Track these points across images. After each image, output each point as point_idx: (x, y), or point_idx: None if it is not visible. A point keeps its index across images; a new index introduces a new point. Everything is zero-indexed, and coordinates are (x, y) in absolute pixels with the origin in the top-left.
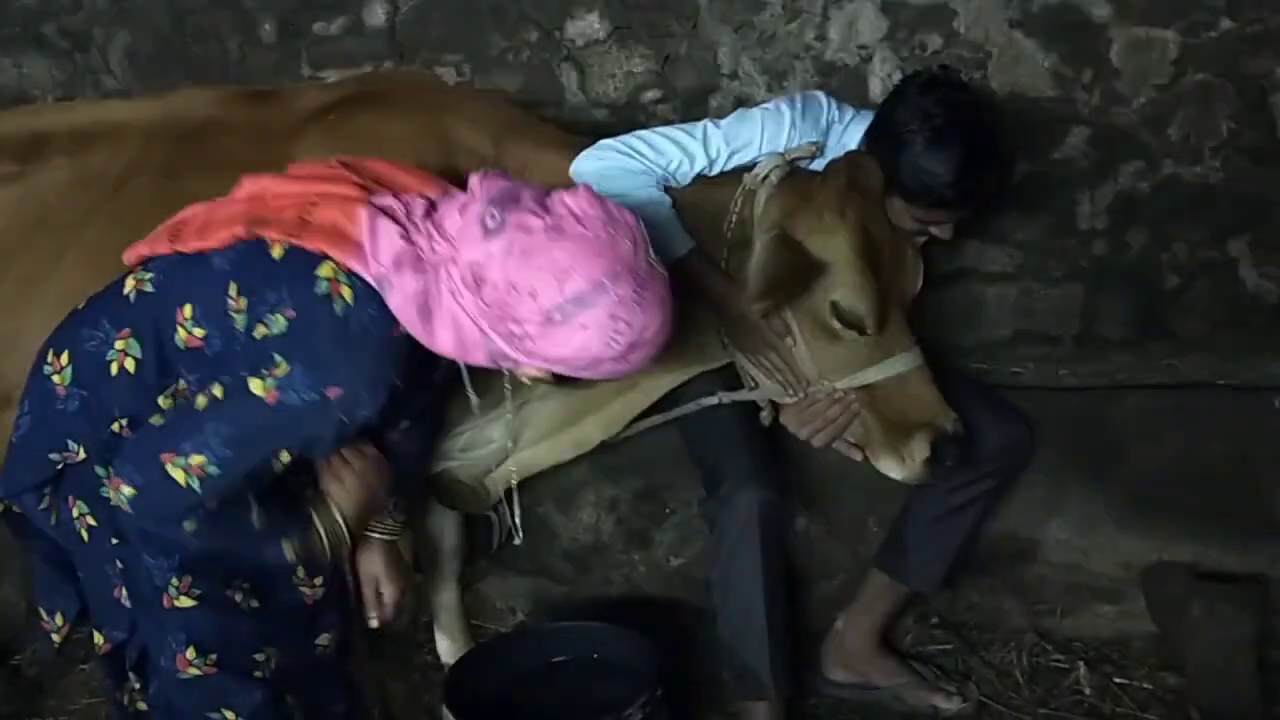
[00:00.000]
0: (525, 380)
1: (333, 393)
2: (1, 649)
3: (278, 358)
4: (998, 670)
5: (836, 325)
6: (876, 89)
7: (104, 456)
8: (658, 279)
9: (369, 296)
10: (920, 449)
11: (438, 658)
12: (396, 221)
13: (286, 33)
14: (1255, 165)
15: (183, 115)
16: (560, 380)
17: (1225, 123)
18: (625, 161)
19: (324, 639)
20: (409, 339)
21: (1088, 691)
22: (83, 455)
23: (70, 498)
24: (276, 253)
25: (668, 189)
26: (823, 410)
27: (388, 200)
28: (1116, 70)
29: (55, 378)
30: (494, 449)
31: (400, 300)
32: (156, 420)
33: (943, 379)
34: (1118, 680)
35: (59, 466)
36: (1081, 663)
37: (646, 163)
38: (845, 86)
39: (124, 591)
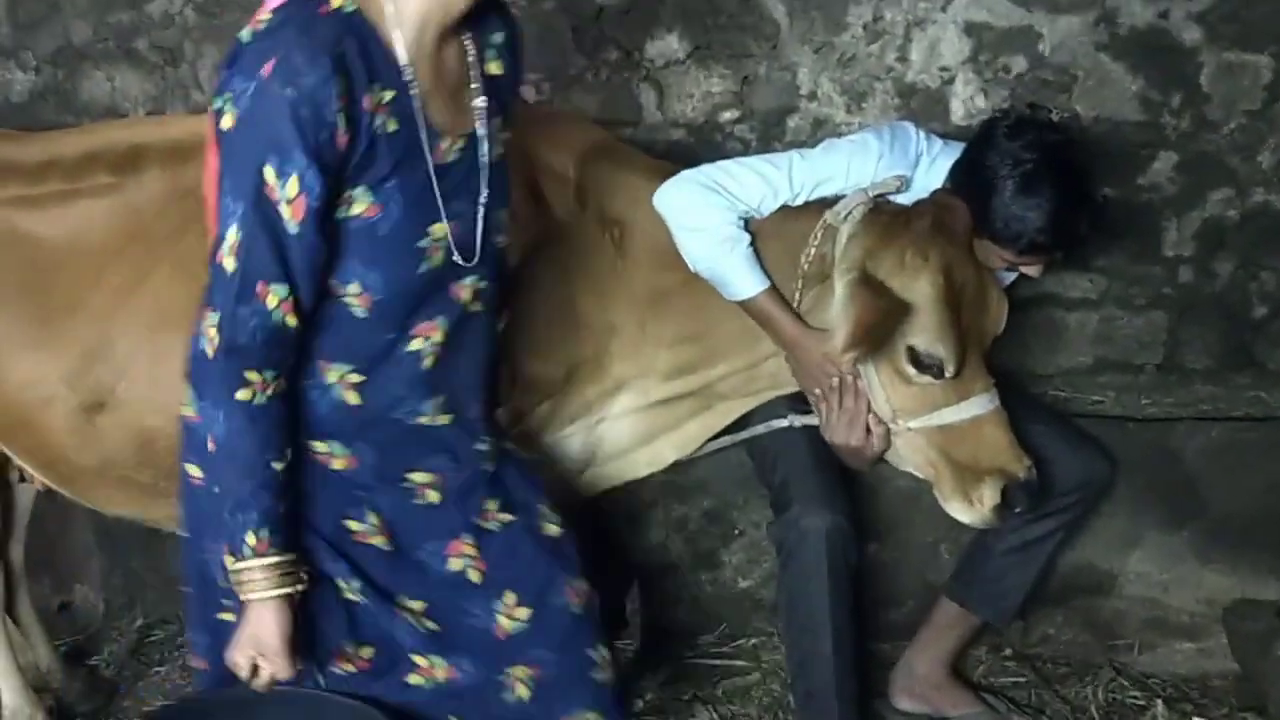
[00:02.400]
0: None
1: (266, 69)
2: (79, 649)
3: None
4: (1073, 705)
5: (912, 371)
6: (959, 111)
7: None
8: None
9: None
10: (990, 496)
11: None
12: None
13: None
14: None
15: None
16: None
17: None
18: (708, 196)
19: None
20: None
21: None
22: None
23: None
24: None
25: (749, 222)
26: (837, 405)
27: None
28: (1207, 95)
29: None
30: (569, 467)
31: None
32: None
33: (1022, 407)
34: (1197, 719)
35: None
36: (1160, 700)
37: (730, 197)
38: (926, 109)
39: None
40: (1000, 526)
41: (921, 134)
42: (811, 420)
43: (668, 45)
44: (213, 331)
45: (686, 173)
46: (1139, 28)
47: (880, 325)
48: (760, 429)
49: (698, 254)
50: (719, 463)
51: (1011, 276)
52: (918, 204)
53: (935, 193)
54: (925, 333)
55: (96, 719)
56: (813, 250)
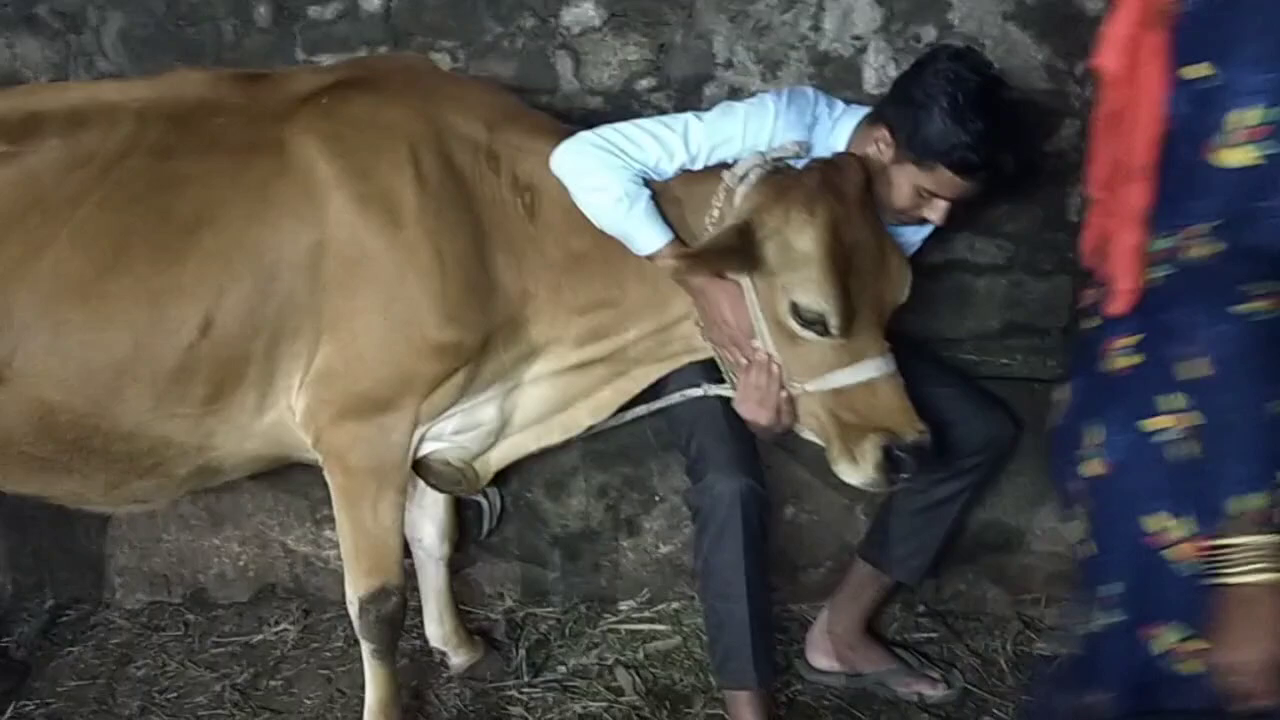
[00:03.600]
0: None
1: None
2: None
3: None
4: (982, 658)
5: (794, 325)
6: (871, 80)
7: None
8: None
9: None
10: (872, 452)
11: (426, 642)
12: None
13: (281, 16)
14: None
15: (176, 96)
16: None
17: None
18: (603, 157)
19: None
20: None
21: None
22: None
23: None
24: None
25: (649, 182)
26: (751, 380)
27: None
28: None
29: None
30: (485, 431)
31: None
32: None
33: (931, 372)
34: None
35: None
36: (1065, 650)
37: (625, 157)
38: (839, 77)
39: None
40: (891, 489)
41: (821, 97)
42: (725, 390)
43: (584, 13)
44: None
45: (583, 134)
46: None
47: (717, 252)
48: (676, 397)
49: (599, 212)
50: (638, 430)
51: (916, 238)
52: (810, 163)
53: (834, 154)
54: (808, 287)
55: (8, 700)
56: (715, 213)
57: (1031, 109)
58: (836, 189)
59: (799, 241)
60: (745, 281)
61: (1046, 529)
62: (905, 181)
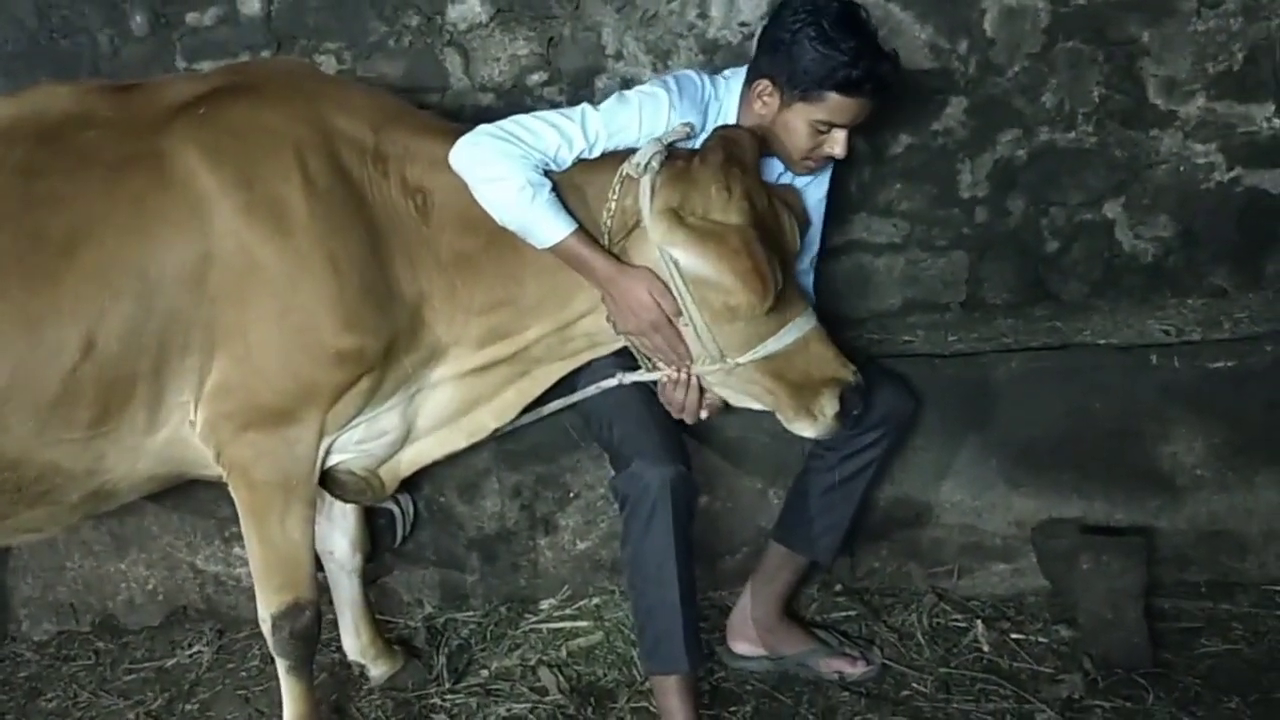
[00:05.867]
0: None
1: None
2: None
3: None
4: (900, 633)
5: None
6: None
7: None
8: None
9: None
10: (830, 404)
11: (344, 655)
12: None
13: (159, 24)
14: (1126, 129)
15: (40, 112)
16: None
17: (1096, 88)
18: (503, 146)
19: None
20: None
21: (986, 649)
22: None
23: None
24: None
25: (547, 173)
26: (671, 397)
27: None
28: (991, 40)
29: None
30: (389, 440)
31: None
32: None
33: None
34: (1014, 636)
35: None
36: (979, 621)
37: (525, 146)
38: (729, 63)
39: None
40: (845, 433)
41: (706, 77)
42: (640, 376)
43: (470, 9)
44: None
45: (480, 127)
46: None
47: (756, 253)
48: (591, 390)
49: (500, 204)
50: (550, 427)
51: (820, 193)
52: (705, 141)
53: (719, 127)
54: None
55: None
56: (613, 204)
57: (918, 88)
58: (739, 161)
59: (727, 219)
60: (668, 265)
61: (954, 502)
62: (799, 122)
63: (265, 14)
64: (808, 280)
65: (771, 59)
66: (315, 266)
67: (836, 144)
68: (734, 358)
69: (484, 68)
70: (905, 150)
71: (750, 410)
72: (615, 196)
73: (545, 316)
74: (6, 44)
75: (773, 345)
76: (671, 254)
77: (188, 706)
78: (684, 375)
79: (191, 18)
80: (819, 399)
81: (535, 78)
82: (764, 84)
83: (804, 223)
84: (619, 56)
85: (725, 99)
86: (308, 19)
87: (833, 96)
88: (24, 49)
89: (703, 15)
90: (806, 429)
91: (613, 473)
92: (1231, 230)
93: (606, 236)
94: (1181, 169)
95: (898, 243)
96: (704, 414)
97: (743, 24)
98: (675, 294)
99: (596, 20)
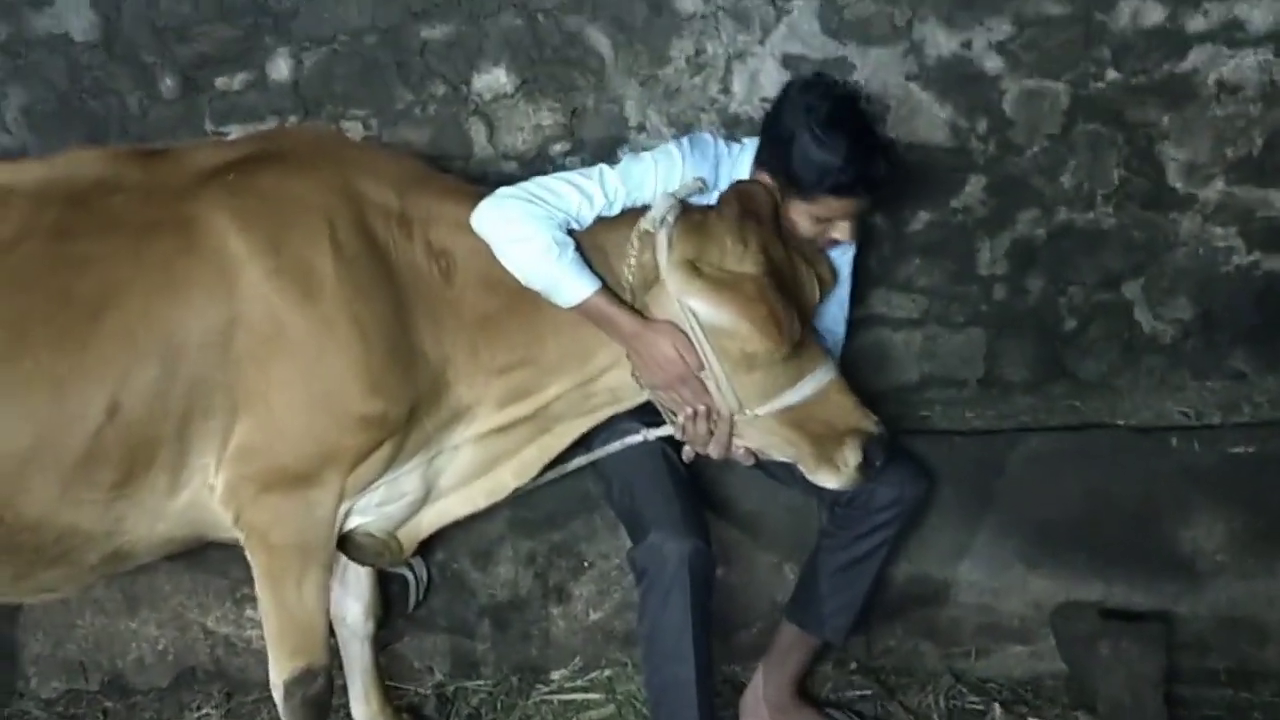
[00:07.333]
0: None
1: None
2: None
3: None
4: (915, 714)
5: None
6: None
7: None
8: None
9: None
10: (853, 455)
11: None
12: None
13: (188, 88)
14: (1145, 210)
15: (72, 176)
16: None
17: (1116, 170)
18: (526, 207)
19: None
20: None
21: None
22: None
23: None
24: None
25: (570, 232)
26: (694, 434)
27: None
28: (1010, 121)
29: None
30: (409, 501)
31: None
32: None
33: None
34: None
35: None
36: (996, 704)
37: (547, 206)
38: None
39: None
40: (868, 485)
41: (719, 139)
42: (664, 431)
43: (495, 79)
44: None
45: (500, 190)
46: (944, 57)
47: (771, 299)
48: (615, 445)
49: (526, 264)
50: (566, 495)
51: (845, 258)
52: (721, 195)
53: (736, 182)
54: None
55: None
56: (633, 260)
57: (938, 165)
58: (754, 214)
59: (743, 269)
60: (687, 316)
61: (972, 581)
62: (800, 216)
63: (294, 80)
64: (839, 332)
65: (771, 152)
66: (341, 331)
67: (841, 232)
68: (753, 409)
69: (508, 136)
70: (925, 227)
71: (768, 483)
72: (634, 252)
73: (566, 374)
74: (38, 104)
75: (791, 397)
76: (689, 304)
77: None
78: (704, 409)
79: (221, 82)
80: (841, 450)
81: (558, 147)
82: (764, 175)
83: (826, 279)
84: (641, 128)
85: (739, 159)
86: (335, 86)
87: (828, 197)
88: (55, 109)
89: (725, 90)
90: (829, 480)
91: (629, 543)
92: (1251, 313)
93: (629, 292)
94: (1201, 251)
95: (916, 318)
96: (738, 451)
97: (764, 99)
98: (695, 345)
99: (620, 93)
